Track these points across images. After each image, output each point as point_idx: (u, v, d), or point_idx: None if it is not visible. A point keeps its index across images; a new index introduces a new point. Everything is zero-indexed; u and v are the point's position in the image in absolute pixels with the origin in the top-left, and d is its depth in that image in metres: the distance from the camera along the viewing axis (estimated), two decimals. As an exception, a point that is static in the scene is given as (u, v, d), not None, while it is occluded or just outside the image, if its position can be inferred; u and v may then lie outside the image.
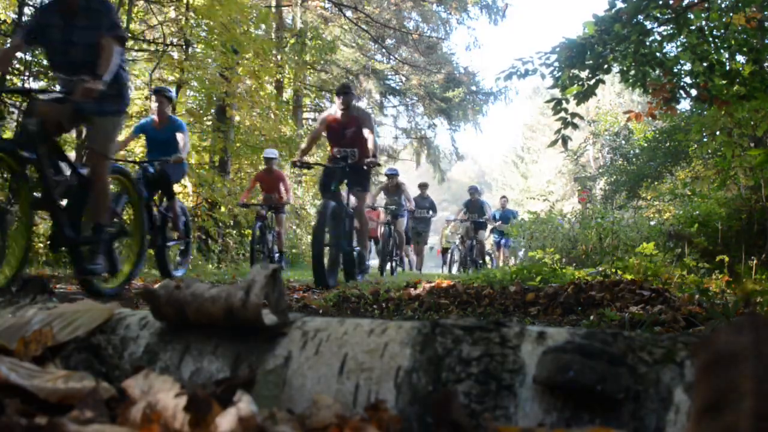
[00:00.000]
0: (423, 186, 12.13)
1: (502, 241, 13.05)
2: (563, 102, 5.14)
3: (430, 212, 11.71)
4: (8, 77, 7.44)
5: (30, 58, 7.92)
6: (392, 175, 10.54)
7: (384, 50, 19.14)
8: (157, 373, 0.70)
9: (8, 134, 7.83)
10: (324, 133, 6.12)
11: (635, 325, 2.30)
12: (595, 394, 0.61)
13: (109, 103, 3.50)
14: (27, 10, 7.78)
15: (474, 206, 12.04)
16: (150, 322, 0.86)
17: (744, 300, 2.51)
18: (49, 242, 3.88)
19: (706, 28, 5.26)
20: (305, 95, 17.51)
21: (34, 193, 3.26)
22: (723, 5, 5.26)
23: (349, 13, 17.22)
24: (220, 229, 11.17)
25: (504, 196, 14.45)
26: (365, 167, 5.77)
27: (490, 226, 13.77)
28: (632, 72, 5.50)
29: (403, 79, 19.94)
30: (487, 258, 13.57)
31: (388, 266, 9.91)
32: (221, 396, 0.62)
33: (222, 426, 0.55)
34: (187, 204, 11.52)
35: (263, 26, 12.35)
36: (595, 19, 4.91)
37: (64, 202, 3.56)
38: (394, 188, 10.41)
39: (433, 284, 3.89)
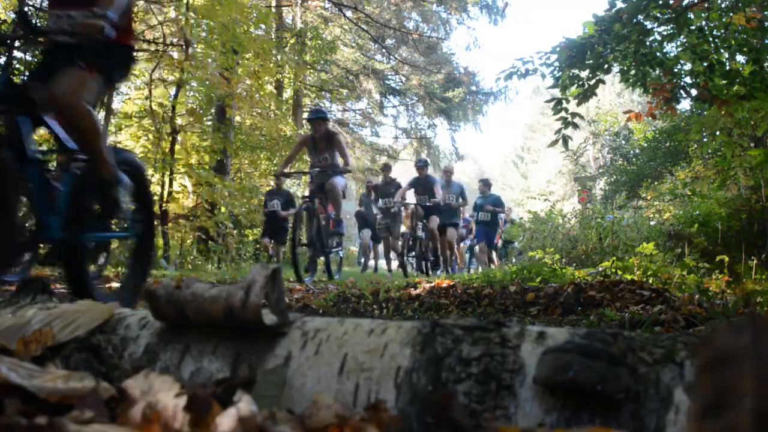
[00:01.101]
0: (386, 168, 8.74)
1: (493, 236, 10.68)
2: (563, 102, 5.14)
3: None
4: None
5: (30, 58, 7.91)
6: (318, 119, 6.36)
7: (384, 50, 19.15)
8: (157, 373, 0.70)
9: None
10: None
11: (635, 325, 2.30)
12: (595, 394, 0.61)
13: None
14: (27, 10, 7.78)
15: (422, 185, 8.57)
16: (150, 322, 0.86)
17: (744, 300, 2.51)
18: None
19: (706, 28, 5.27)
20: (305, 95, 17.54)
21: None
22: (723, 5, 5.26)
23: (349, 13, 17.24)
24: (221, 229, 11.14)
25: (482, 180, 10.84)
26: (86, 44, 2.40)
27: (462, 218, 10.65)
28: (632, 72, 5.51)
29: (403, 79, 19.96)
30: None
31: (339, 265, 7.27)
32: (221, 396, 0.62)
33: (222, 426, 0.55)
34: (187, 204, 11.53)
35: (263, 26, 12.36)
36: (595, 19, 4.91)
37: None
38: (323, 142, 6.36)
39: (433, 284, 3.90)
